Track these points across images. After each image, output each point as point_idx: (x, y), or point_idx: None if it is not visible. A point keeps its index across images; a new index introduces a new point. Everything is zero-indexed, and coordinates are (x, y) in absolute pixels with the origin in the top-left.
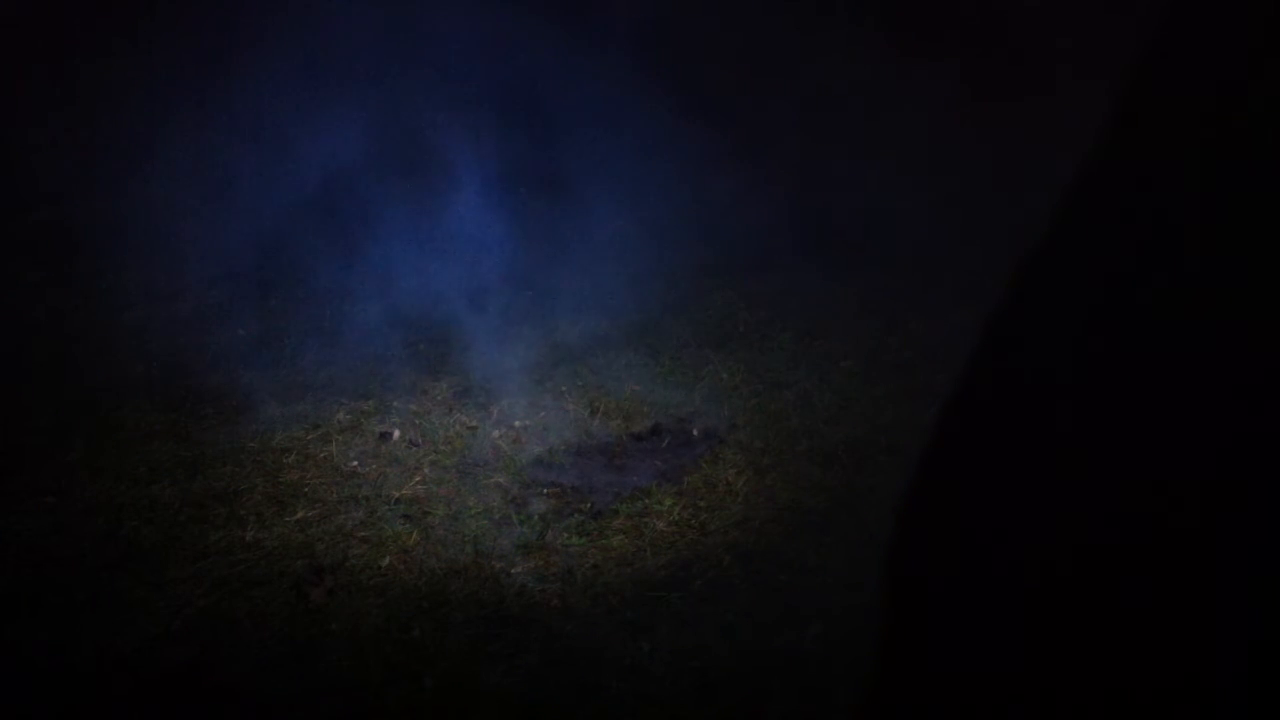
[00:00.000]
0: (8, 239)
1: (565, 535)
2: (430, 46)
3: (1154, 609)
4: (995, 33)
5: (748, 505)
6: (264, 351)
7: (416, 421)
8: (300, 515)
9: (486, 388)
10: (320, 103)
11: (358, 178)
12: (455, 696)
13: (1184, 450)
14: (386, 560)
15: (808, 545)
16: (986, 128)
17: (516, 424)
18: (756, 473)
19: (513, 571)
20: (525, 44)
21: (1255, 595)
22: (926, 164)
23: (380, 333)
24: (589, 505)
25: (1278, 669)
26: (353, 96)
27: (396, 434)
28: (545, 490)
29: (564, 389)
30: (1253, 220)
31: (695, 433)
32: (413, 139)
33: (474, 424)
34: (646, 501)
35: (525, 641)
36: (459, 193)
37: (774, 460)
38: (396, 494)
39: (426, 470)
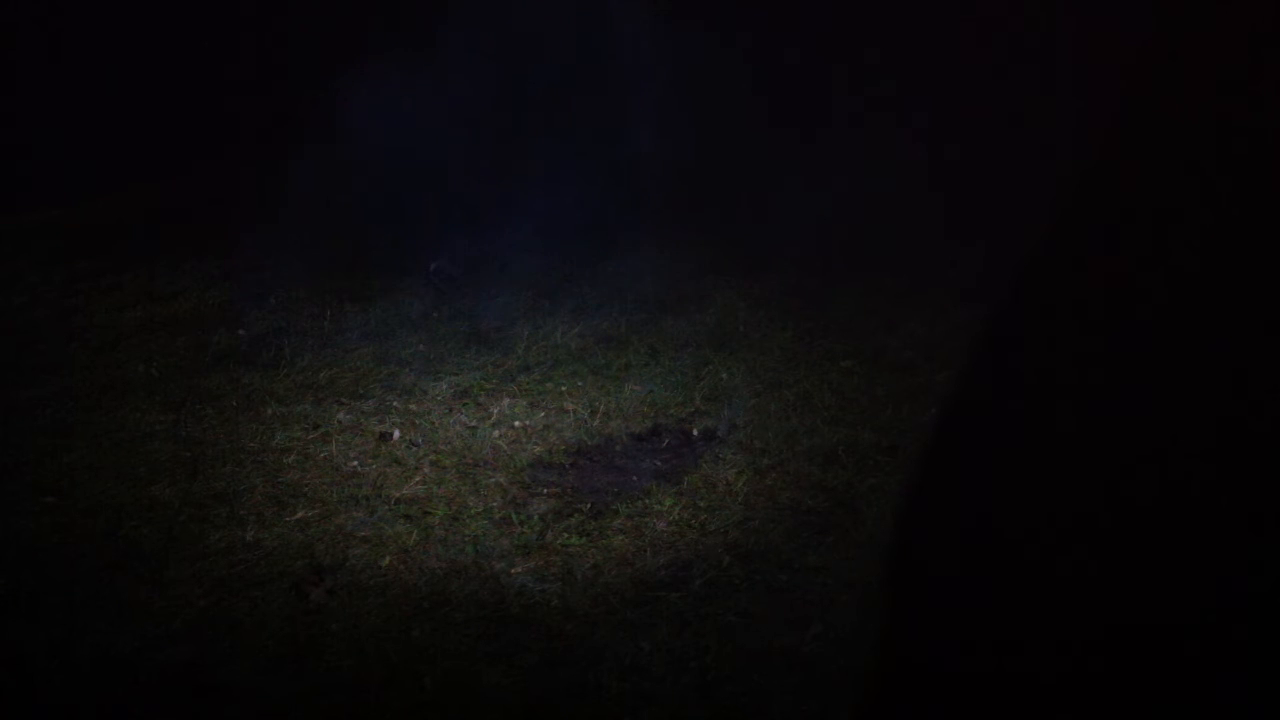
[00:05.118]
0: (8, 239)
1: (565, 535)
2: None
3: (1155, 608)
4: (996, 32)
5: (748, 505)
6: (264, 351)
7: (416, 421)
8: (300, 515)
9: (486, 387)
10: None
11: (358, 178)
12: (455, 696)
13: (1184, 450)
14: (386, 560)
15: (808, 545)
16: (987, 127)
17: (516, 424)
18: (756, 473)
19: (513, 571)
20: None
21: (1255, 594)
22: (926, 164)
23: (381, 332)
24: (589, 505)
25: (1276, 666)
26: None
27: (396, 434)
28: (545, 490)
29: (564, 389)
30: (1253, 220)
31: (695, 433)
32: (412, 145)
33: (474, 424)
34: (646, 501)
35: (525, 641)
36: (454, 194)
37: (774, 460)
38: (396, 494)
39: (426, 470)
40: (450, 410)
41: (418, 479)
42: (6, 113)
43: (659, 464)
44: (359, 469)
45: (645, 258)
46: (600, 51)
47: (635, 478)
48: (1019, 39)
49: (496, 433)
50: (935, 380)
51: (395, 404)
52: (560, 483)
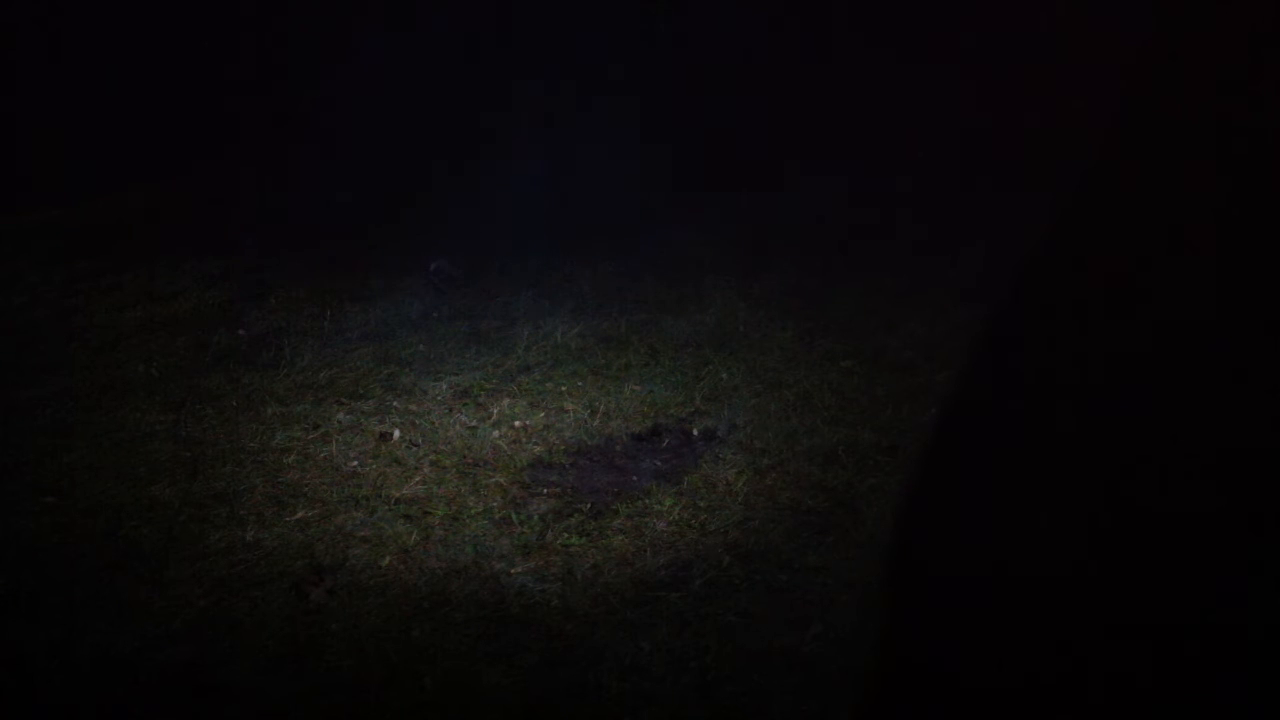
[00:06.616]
0: (8, 239)
1: (565, 535)
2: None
3: (1155, 608)
4: (997, 33)
5: (748, 505)
6: (264, 351)
7: (416, 421)
8: (300, 515)
9: (486, 387)
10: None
11: (358, 177)
12: (455, 696)
13: (1183, 449)
14: (386, 560)
15: (808, 545)
16: (988, 127)
17: (516, 424)
18: (756, 473)
19: (513, 571)
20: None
21: (1255, 594)
22: (927, 164)
23: (381, 332)
24: (589, 505)
25: (1276, 666)
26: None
27: (396, 434)
28: (545, 490)
29: (564, 389)
30: (1253, 220)
31: (695, 433)
32: (406, 154)
33: (474, 424)
34: (646, 501)
35: (525, 641)
36: (454, 194)
37: (774, 460)
38: (396, 494)
39: (426, 470)
40: (450, 410)
41: (418, 479)
42: (6, 113)
43: (659, 464)
44: (359, 469)
45: (645, 258)
46: (599, 51)
47: (635, 478)
48: (1019, 39)
49: (496, 433)
50: (935, 380)
51: (395, 404)
52: (560, 483)
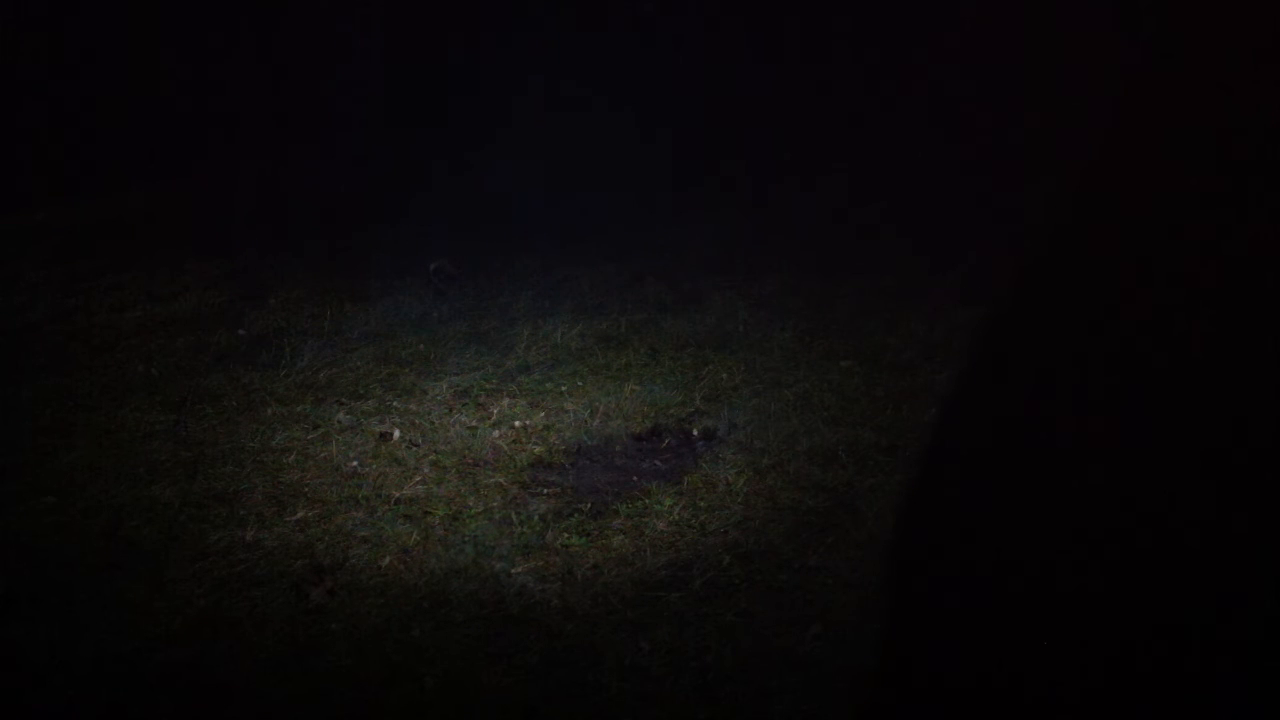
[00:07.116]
0: (8, 239)
1: (565, 535)
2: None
3: (1155, 609)
4: (997, 33)
5: (748, 505)
6: (264, 351)
7: (416, 421)
8: (300, 515)
9: (486, 387)
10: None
11: (357, 178)
12: (455, 696)
13: (1183, 449)
14: (386, 560)
15: (808, 545)
16: (988, 127)
17: (516, 424)
18: (756, 473)
19: (513, 571)
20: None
21: (1254, 592)
22: (926, 164)
23: (381, 332)
24: (589, 505)
25: (1275, 669)
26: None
27: (396, 434)
28: (545, 490)
29: (564, 389)
30: (1253, 220)
31: (695, 433)
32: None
33: (474, 424)
34: (646, 501)
35: (525, 641)
36: (454, 194)
37: (774, 460)
38: (396, 494)
39: (426, 470)
40: (450, 410)
41: (418, 479)
42: (7, 113)
43: (659, 464)
44: (359, 469)
45: (645, 258)
46: (596, 53)
47: (635, 478)
48: (1019, 40)
49: (496, 433)
50: (935, 380)
51: (395, 404)
52: (560, 483)
